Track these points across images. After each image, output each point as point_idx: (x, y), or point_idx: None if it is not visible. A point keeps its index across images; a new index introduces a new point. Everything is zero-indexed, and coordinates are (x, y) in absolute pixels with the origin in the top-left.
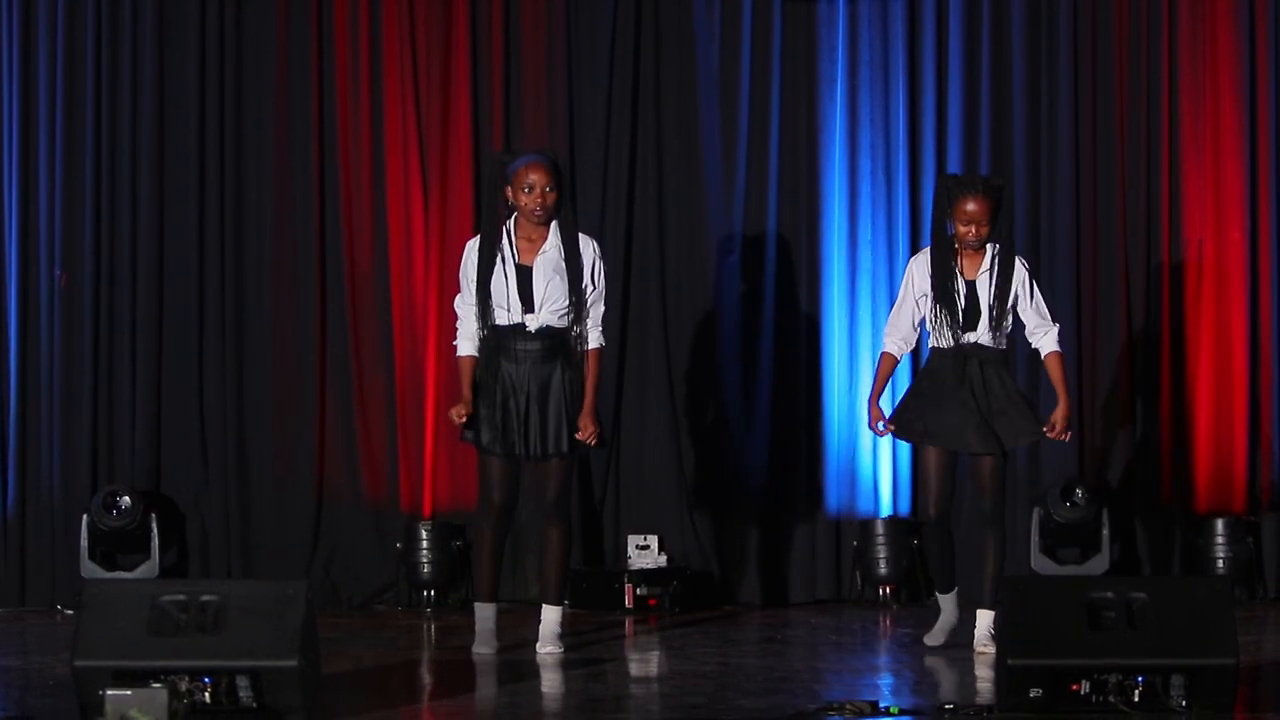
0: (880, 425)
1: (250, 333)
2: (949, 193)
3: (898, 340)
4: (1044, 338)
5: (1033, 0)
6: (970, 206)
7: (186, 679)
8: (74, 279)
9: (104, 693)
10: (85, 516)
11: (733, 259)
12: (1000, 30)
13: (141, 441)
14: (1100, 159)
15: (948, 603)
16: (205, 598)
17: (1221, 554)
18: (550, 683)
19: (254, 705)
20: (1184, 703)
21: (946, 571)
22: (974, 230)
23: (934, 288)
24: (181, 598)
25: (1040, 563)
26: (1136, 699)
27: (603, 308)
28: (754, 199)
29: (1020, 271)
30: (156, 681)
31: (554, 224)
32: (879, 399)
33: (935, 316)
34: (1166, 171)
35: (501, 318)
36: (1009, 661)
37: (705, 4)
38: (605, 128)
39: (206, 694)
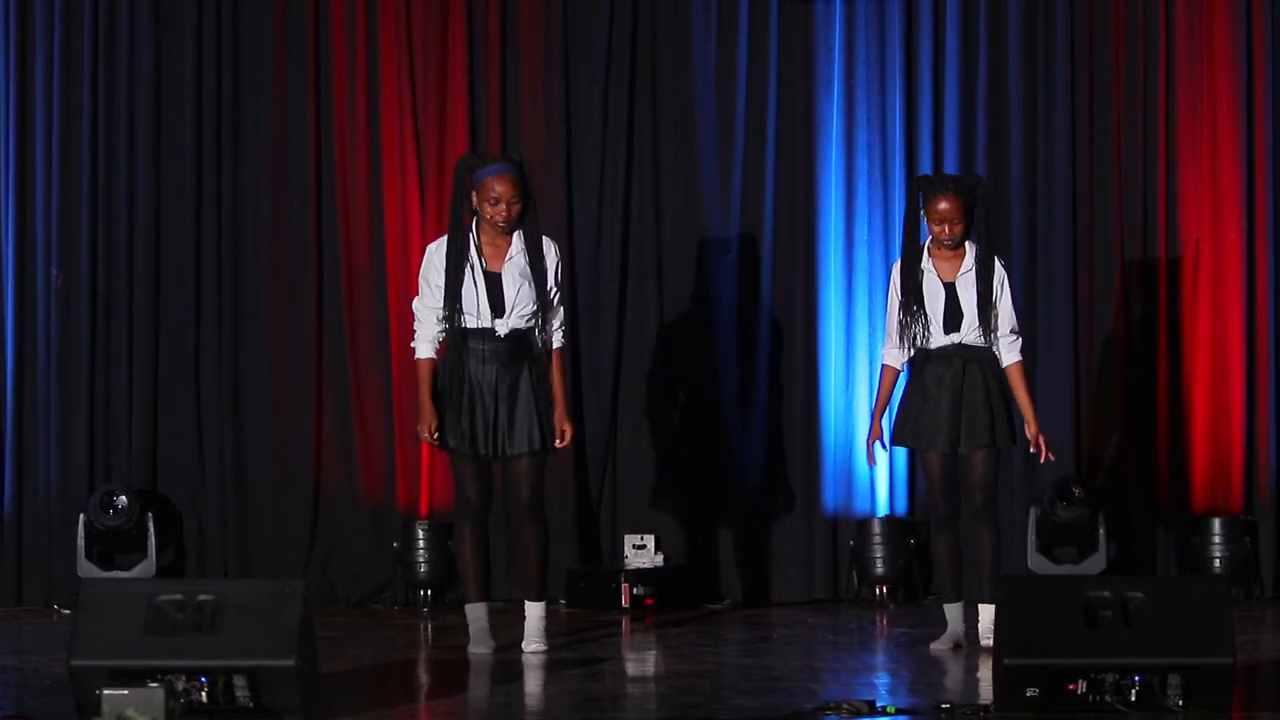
0: (877, 446)
1: (247, 332)
2: (921, 194)
3: (893, 350)
4: (1007, 346)
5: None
6: (942, 205)
7: (183, 678)
8: (70, 278)
9: (101, 692)
10: (82, 516)
11: (729, 259)
12: (997, 30)
13: (138, 441)
14: (1097, 159)
15: (954, 612)
16: (202, 597)
17: (1218, 553)
18: (546, 682)
19: (251, 705)
20: (1181, 702)
21: (953, 578)
22: (948, 229)
23: (904, 291)
24: (178, 597)
25: (1037, 562)
26: (1133, 698)
27: (562, 309)
28: (751, 199)
29: (999, 272)
30: (153, 681)
31: (518, 229)
32: (881, 415)
33: (909, 319)
34: (1163, 171)
35: (470, 322)
36: (1005, 661)
37: (702, 4)
38: (602, 128)
39: (203, 693)
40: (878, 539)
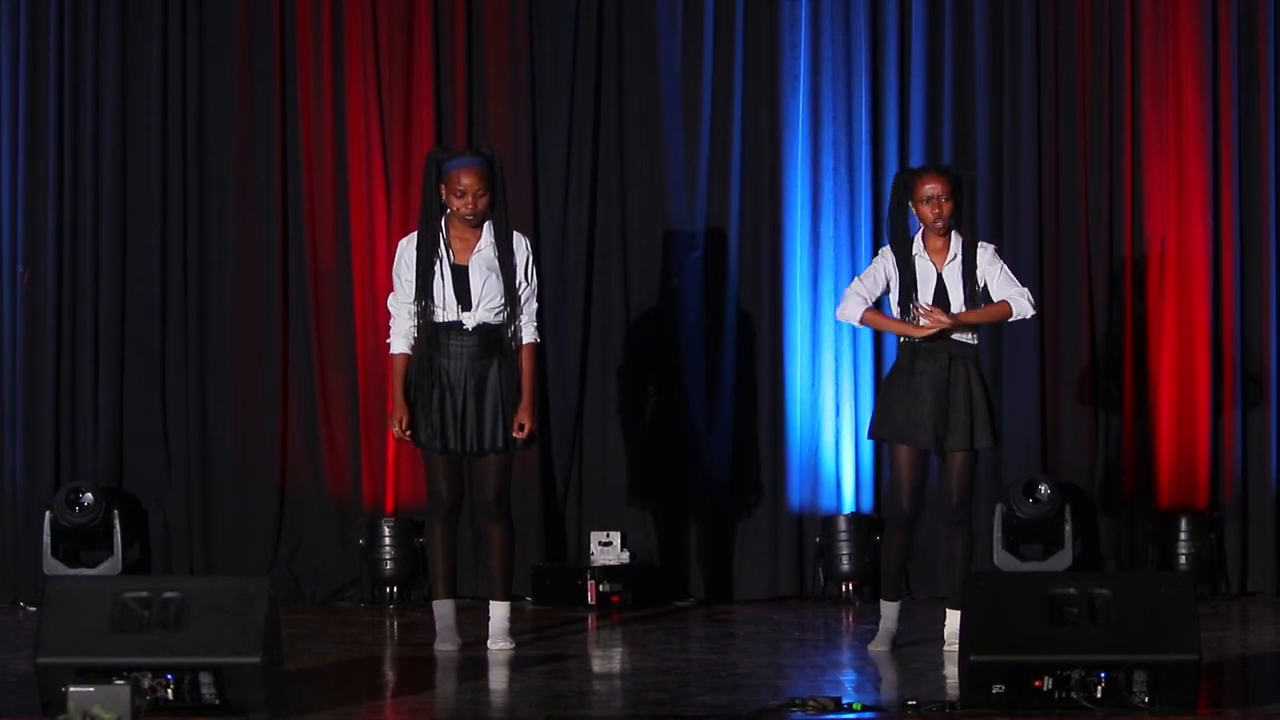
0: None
1: (213, 330)
2: (908, 182)
3: (853, 302)
4: (1016, 297)
5: None
6: (929, 187)
7: (149, 676)
8: (36, 276)
9: (67, 690)
10: (48, 513)
11: (695, 255)
12: (963, 26)
13: (104, 438)
14: (1063, 154)
15: (891, 611)
16: (168, 594)
17: (1184, 550)
18: (513, 679)
19: (217, 702)
20: (1147, 699)
21: (898, 576)
22: (937, 208)
23: (900, 284)
24: (144, 594)
25: (1003, 559)
26: (1099, 695)
27: (536, 304)
28: (716, 195)
29: (984, 255)
30: (119, 678)
31: (487, 223)
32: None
33: (904, 310)
34: (1129, 166)
35: (438, 316)
36: (971, 658)
37: (668, 1)
38: (568, 125)
39: (169, 691)
40: (843, 536)
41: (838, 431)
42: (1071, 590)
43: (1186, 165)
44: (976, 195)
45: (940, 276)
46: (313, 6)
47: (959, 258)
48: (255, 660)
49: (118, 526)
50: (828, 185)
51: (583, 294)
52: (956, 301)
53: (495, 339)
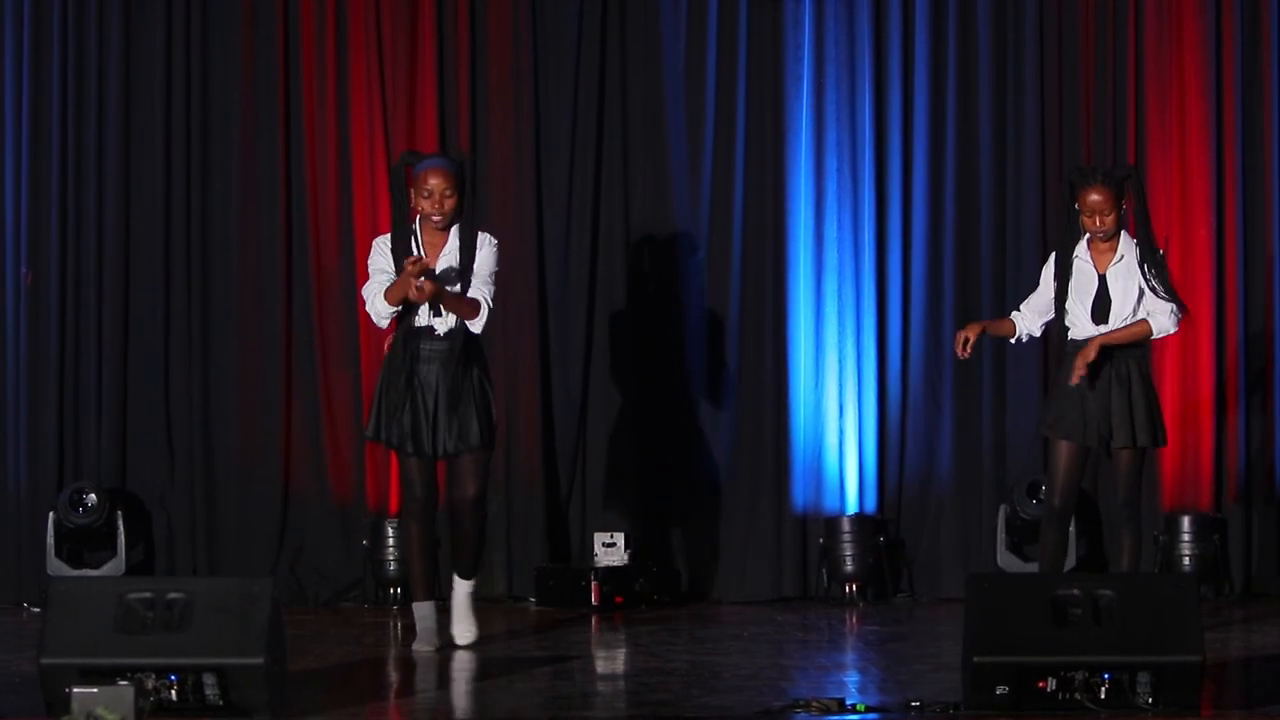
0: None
1: (216, 331)
2: (1072, 187)
3: (1027, 313)
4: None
5: None
6: (1092, 197)
7: (153, 677)
8: (39, 277)
9: (70, 690)
10: (51, 514)
11: (699, 256)
12: (966, 28)
13: (108, 439)
14: (1067, 156)
15: None
16: (171, 595)
17: (1188, 551)
18: (516, 680)
19: (220, 703)
20: (1150, 700)
21: (1057, 569)
22: (1098, 220)
23: (1057, 281)
24: (148, 595)
25: (1006, 560)
26: (1103, 696)
27: (492, 288)
28: (720, 197)
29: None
30: (123, 679)
31: (454, 227)
32: (980, 326)
33: (1060, 310)
34: None
35: (414, 320)
36: (975, 659)
37: (671, 3)
38: (571, 126)
39: (173, 692)
40: (847, 537)
41: (841, 432)
42: (1075, 591)
43: (1190, 167)
44: (1146, 193)
45: (1103, 279)
46: (316, 5)
47: (1125, 259)
48: (258, 661)
49: (121, 527)
50: (831, 186)
51: (586, 295)
52: (1119, 305)
53: (467, 341)
